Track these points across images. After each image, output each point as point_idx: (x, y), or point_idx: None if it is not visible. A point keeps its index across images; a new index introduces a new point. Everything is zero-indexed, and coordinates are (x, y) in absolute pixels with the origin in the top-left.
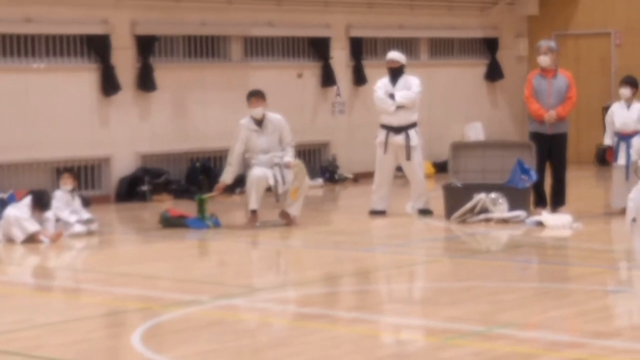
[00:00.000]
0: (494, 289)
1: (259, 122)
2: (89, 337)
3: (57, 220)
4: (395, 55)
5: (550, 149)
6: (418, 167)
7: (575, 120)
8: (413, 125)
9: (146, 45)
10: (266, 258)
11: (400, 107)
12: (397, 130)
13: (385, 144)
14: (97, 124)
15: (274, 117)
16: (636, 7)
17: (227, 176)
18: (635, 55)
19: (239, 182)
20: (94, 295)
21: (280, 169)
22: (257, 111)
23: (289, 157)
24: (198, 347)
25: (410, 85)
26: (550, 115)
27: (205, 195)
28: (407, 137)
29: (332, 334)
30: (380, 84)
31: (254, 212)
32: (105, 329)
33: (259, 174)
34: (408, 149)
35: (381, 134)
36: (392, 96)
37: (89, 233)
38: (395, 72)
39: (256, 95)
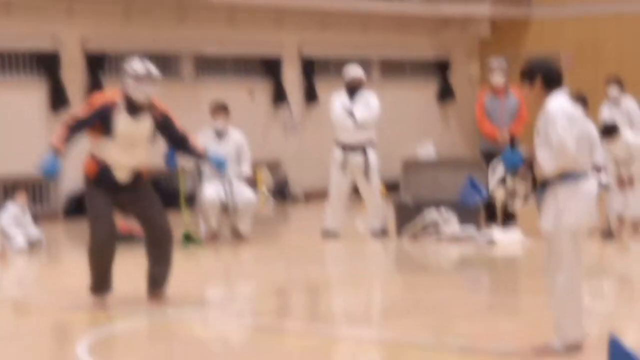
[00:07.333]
0: (444, 304)
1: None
2: (34, 348)
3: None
4: (356, 72)
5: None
6: (375, 187)
7: (528, 139)
8: (370, 142)
9: (96, 62)
10: (217, 272)
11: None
12: (355, 148)
13: (343, 163)
14: (45, 140)
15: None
16: (585, 30)
17: None
18: (584, 78)
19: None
20: (41, 309)
21: (231, 185)
22: (217, 123)
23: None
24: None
25: (369, 102)
26: (504, 135)
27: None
28: (366, 157)
29: (283, 347)
30: (338, 99)
31: (214, 233)
32: (52, 341)
33: (210, 198)
34: (367, 168)
35: (337, 153)
36: (351, 114)
37: (36, 248)
38: (355, 88)
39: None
